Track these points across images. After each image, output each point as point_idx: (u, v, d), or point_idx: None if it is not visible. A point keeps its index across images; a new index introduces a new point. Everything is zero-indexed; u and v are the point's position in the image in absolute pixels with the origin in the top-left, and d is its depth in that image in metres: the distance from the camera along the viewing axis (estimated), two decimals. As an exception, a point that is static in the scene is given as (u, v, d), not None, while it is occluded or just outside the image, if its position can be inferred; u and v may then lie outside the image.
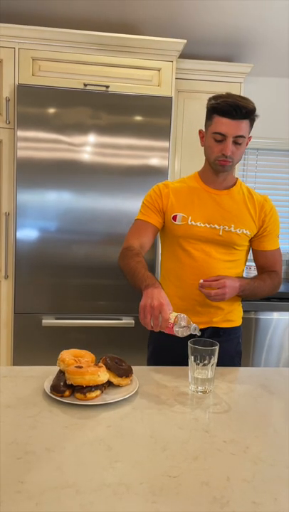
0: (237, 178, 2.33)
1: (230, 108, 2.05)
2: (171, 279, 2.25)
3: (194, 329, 1.76)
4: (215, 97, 2.12)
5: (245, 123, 2.09)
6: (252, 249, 2.34)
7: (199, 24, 3.85)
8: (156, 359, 2.32)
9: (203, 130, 2.21)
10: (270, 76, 4.53)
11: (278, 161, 4.85)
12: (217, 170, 2.19)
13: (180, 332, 1.76)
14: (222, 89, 3.98)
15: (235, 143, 2.10)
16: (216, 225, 2.18)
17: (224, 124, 2.06)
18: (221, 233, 2.18)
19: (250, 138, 2.20)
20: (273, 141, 4.72)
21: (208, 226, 2.18)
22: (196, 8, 3.68)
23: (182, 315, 1.77)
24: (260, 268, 2.36)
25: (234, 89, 4.00)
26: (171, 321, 1.74)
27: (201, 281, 2.05)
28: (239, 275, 2.27)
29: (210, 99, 2.14)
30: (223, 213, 2.20)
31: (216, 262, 2.19)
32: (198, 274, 2.14)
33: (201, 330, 1.87)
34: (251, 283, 2.19)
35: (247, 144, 2.18)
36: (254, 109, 2.12)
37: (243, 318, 2.39)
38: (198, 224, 2.19)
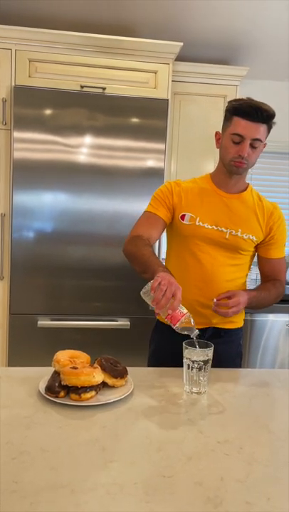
0: (248, 184, 2.32)
1: (252, 110, 2.05)
2: (175, 278, 2.21)
3: (194, 333, 1.76)
4: (236, 100, 2.14)
5: (263, 127, 2.10)
6: (257, 256, 2.33)
7: (195, 27, 3.86)
8: (157, 358, 2.32)
9: (220, 132, 2.21)
10: (266, 79, 4.54)
11: (275, 164, 4.85)
12: (231, 171, 2.19)
13: (180, 327, 1.75)
14: (218, 92, 4.01)
15: (252, 146, 2.10)
16: (223, 228, 2.17)
17: (243, 126, 2.06)
18: (227, 236, 2.17)
19: (265, 144, 2.20)
20: (269, 144, 4.72)
21: (215, 228, 2.18)
22: (192, 10, 3.68)
23: (190, 315, 1.77)
24: (264, 275, 2.34)
25: (230, 92, 4.02)
26: (184, 311, 1.74)
27: (215, 300, 2.03)
28: (242, 279, 2.27)
29: (231, 102, 2.14)
30: (232, 217, 2.19)
31: (221, 265, 2.18)
32: (202, 276, 2.17)
33: (201, 330, 1.93)
34: (258, 295, 2.17)
35: (261, 151, 2.20)
36: (274, 115, 2.13)
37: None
38: (205, 225, 2.18)
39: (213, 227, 2.18)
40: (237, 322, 2.30)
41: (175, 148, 4.00)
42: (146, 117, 3.44)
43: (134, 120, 3.42)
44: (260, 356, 4.12)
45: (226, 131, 2.15)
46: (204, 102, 4.03)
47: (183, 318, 1.74)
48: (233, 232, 2.17)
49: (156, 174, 3.44)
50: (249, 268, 2.33)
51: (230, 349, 2.25)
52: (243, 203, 2.23)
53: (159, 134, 3.46)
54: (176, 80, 3.82)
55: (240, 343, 2.34)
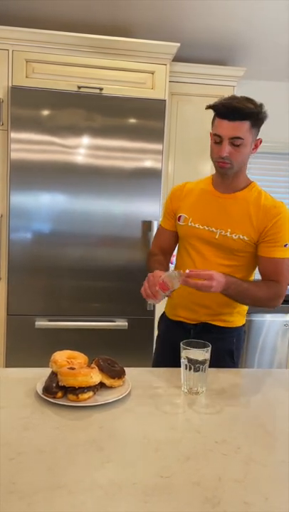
0: (251, 182, 2.30)
1: (226, 109, 2.05)
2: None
3: (176, 273, 1.94)
4: (217, 101, 2.13)
5: (243, 124, 2.06)
6: (256, 255, 2.23)
7: (192, 27, 3.86)
8: (163, 355, 2.43)
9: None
10: (263, 79, 4.54)
11: (274, 164, 4.86)
12: (218, 172, 2.21)
13: (168, 280, 1.94)
14: (215, 92, 4.00)
15: (234, 145, 2.08)
16: (213, 228, 2.18)
17: (221, 126, 2.07)
18: (217, 236, 2.17)
19: (259, 140, 2.19)
20: (268, 144, 4.73)
21: (206, 228, 2.19)
22: (188, 11, 3.68)
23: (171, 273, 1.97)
24: (262, 276, 2.24)
25: (227, 93, 4.00)
26: (162, 277, 1.95)
27: (187, 270, 1.98)
28: None
29: (209, 105, 2.15)
30: (224, 217, 2.19)
31: (213, 265, 2.16)
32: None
33: (193, 325, 2.22)
34: (240, 283, 2.09)
35: (256, 147, 2.19)
36: (253, 111, 2.08)
37: (242, 324, 2.38)
38: (196, 226, 2.22)
39: (205, 227, 2.20)
40: (231, 322, 2.28)
41: (172, 149, 4.00)
42: (143, 118, 3.43)
43: (132, 121, 3.42)
44: (257, 356, 4.13)
45: (211, 133, 2.17)
46: (201, 102, 4.00)
47: (167, 291, 1.95)
48: (223, 232, 2.17)
49: (153, 175, 3.44)
50: (250, 270, 2.27)
51: (219, 346, 2.08)
52: (237, 203, 2.20)
53: (156, 134, 3.45)
54: (174, 80, 3.83)
55: (234, 342, 2.30)
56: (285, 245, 2.13)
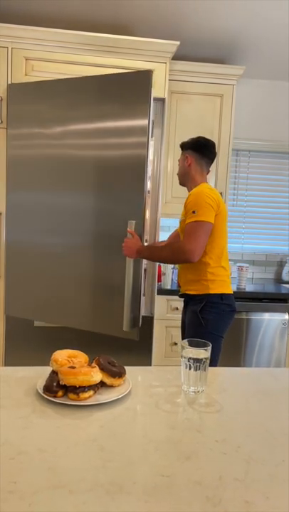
0: (201, 184, 3.01)
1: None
2: None
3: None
4: None
5: (181, 153, 3.17)
6: None
7: (192, 26, 3.86)
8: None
9: None
10: (263, 78, 4.55)
11: (272, 163, 4.86)
12: None
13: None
14: (215, 91, 4.01)
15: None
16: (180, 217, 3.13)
17: None
18: (180, 220, 3.12)
19: (187, 157, 3.09)
20: (265, 143, 4.74)
21: (179, 218, 3.17)
22: (188, 10, 3.68)
23: None
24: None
25: (227, 91, 4.02)
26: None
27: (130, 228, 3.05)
28: None
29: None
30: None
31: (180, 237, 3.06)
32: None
33: (182, 295, 3.10)
34: (153, 249, 3.01)
35: (189, 162, 3.08)
36: (184, 144, 3.16)
37: (235, 318, 3.04)
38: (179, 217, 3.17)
39: (179, 217, 3.14)
40: (195, 290, 2.97)
41: (172, 147, 4.01)
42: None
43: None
44: (256, 355, 4.13)
45: None
46: (201, 101, 4.03)
47: None
48: (180, 218, 3.09)
49: (136, 168, 3.34)
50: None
51: (191, 308, 3.00)
52: (187, 198, 2.96)
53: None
54: (173, 78, 3.83)
55: (200, 305, 2.92)
56: (193, 212, 2.80)
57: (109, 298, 3.25)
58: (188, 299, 3.05)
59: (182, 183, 3.18)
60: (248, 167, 4.83)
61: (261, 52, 4.20)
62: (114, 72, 3.43)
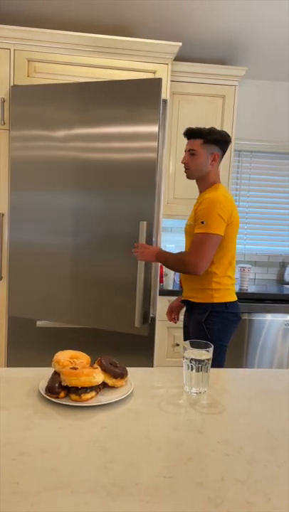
0: (215, 184, 2.92)
1: (184, 132, 2.96)
2: None
3: None
4: None
5: (195, 141, 2.90)
6: None
7: (194, 27, 3.86)
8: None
9: None
10: (264, 79, 4.55)
11: (274, 164, 4.86)
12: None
13: None
14: (217, 91, 4.02)
15: (191, 155, 2.92)
16: (186, 221, 3.02)
17: (186, 143, 2.96)
18: (187, 224, 2.98)
19: (216, 154, 2.91)
20: (268, 144, 4.74)
21: (187, 222, 3.01)
22: (188, 10, 3.69)
23: None
24: None
25: (228, 92, 4.03)
26: None
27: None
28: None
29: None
30: (192, 212, 2.93)
31: (188, 244, 2.96)
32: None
33: (184, 301, 3.03)
34: (167, 255, 2.89)
35: (215, 160, 2.91)
36: (201, 131, 2.89)
37: (225, 304, 2.89)
38: (186, 221, 3.04)
39: (187, 221, 3.02)
40: (199, 298, 2.89)
41: (174, 149, 4.02)
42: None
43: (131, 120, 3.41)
44: (258, 356, 4.13)
45: None
46: (203, 102, 4.04)
47: None
48: (188, 222, 2.97)
49: (154, 174, 3.37)
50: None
51: (195, 317, 2.91)
52: (199, 200, 2.88)
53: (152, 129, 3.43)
54: (175, 80, 3.84)
55: (204, 315, 2.85)
56: (202, 222, 2.73)
57: (120, 296, 3.25)
58: (192, 307, 2.96)
59: (192, 178, 2.97)
60: (250, 168, 4.83)
61: (263, 53, 4.20)
62: (116, 73, 3.46)
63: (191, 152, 2.90)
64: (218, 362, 2.60)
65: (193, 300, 2.92)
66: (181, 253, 2.86)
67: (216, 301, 2.84)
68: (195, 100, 4.02)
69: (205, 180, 2.93)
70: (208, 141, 2.88)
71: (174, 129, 4.03)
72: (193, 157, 2.90)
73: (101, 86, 3.23)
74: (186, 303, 3.02)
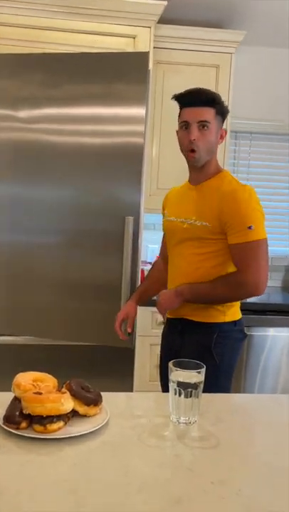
0: (222, 171, 2.69)
1: (190, 95, 2.55)
2: (168, 272, 2.81)
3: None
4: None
5: (207, 110, 2.52)
6: None
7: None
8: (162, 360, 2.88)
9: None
10: (266, 45, 4.55)
11: (278, 147, 4.86)
12: (189, 164, 2.67)
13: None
14: (209, 60, 4.02)
15: (202, 129, 2.52)
16: (183, 219, 2.63)
17: (187, 112, 2.54)
18: (185, 226, 2.60)
19: (224, 130, 2.64)
20: (270, 124, 4.75)
21: (178, 220, 2.66)
22: None
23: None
24: (234, 266, 2.58)
25: (224, 61, 4.04)
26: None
27: None
28: (214, 269, 2.58)
29: (174, 95, 2.62)
30: (192, 206, 2.63)
31: (187, 255, 2.63)
32: (174, 267, 2.72)
33: (176, 321, 2.69)
34: (195, 287, 2.57)
35: (222, 137, 2.64)
36: (216, 97, 2.56)
37: (234, 322, 2.67)
38: (171, 218, 2.72)
39: (176, 219, 2.67)
40: (206, 316, 2.61)
41: (157, 129, 4.01)
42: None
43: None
44: (259, 378, 4.13)
45: (178, 125, 2.63)
46: (193, 72, 4.04)
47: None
48: (190, 220, 2.59)
49: (134, 159, 3.33)
50: (227, 256, 2.58)
51: (199, 341, 2.61)
52: (204, 191, 2.62)
53: (138, 111, 3.44)
54: (159, 46, 3.84)
55: (213, 338, 2.59)
56: (250, 227, 2.44)
57: (99, 302, 3.29)
58: (190, 327, 2.66)
59: (200, 164, 2.61)
60: (250, 152, 4.85)
61: (264, 15, 4.20)
62: (90, 38, 3.45)
63: (203, 124, 2.52)
64: (223, 391, 2.54)
65: (192, 319, 2.65)
66: (225, 277, 2.56)
67: (227, 319, 2.64)
68: (183, 71, 4.02)
69: (210, 166, 2.65)
70: (220, 111, 2.59)
71: (158, 105, 4.03)
72: (205, 132, 2.54)
73: (75, 58, 3.24)
74: (179, 322, 2.72)
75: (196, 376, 1.72)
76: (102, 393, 1.77)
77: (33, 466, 1.40)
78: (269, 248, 2.50)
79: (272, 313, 4.10)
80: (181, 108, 2.59)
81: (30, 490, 1.29)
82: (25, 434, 1.55)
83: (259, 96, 4.63)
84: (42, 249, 3.37)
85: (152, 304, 3.92)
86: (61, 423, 1.59)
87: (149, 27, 3.53)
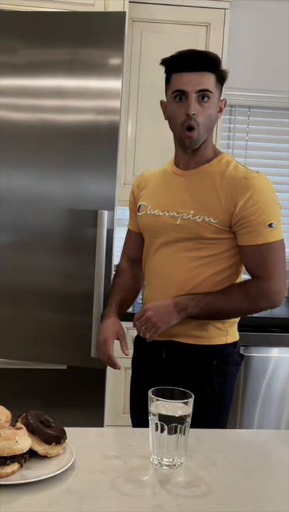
0: (220, 154, 2.62)
1: (187, 58, 2.43)
2: (146, 282, 2.76)
3: None
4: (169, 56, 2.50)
5: (208, 76, 2.42)
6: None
7: None
8: (137, 391, 2.77)
9: (165, 100, 2.53)
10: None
11: (280, 125, 4.88)
12: (184, 145, 2.53)
13: None
14: (196, 18, 4.02)
15: (201, 101, 2.43)
16: (174, 213, 2.53)
17: (183, 80, 2.41)
18: (178, 222, 2.51)
19: (223, 101, 2.57)
20: (270, 96, 4.76)
21: (166, 214, 2.56)
22: None
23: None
24: (248, 272, 2.53)
25: (215, 19, 4.04)
26: None
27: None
28: (216, 277, 2.52)
29: (163, 59, 2.52)
30: (185, 197, 2.54)
31: (180, 258, 2.53)
32: (160, 275, 2.61)
33: (160, 343, 2.54)
34: (199, 299, 2.44)
35: (221, 110, 2.57)
36: (217, 59, 2.47)
37: (234, 343, 2.65)
38: (156, 213, 2.60)
39: (165, 213, 2.57)
40: (204, 338, 2.55)
41: (133, 103, 4.01)
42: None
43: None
44: (259, 409, 4.13)
45: (167, 95, 2.53)
46: (178, 33, 4.04)
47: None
48: (185, 215, 2.50)
49: (108, 141, 3.28)
50: (232, 262, 2.54)
51: (195, 369, 2.54)
52: (202, 178, 2.55)
53: (111, 80, 3.43)
54: (136, 0, 3.84)
55: (214, 365, 2.55)
56: (270, 225, 2.41)
57: (66, 315, 3.29)
58: (179, 352, 2.59)
59: (197, 144, 2.51)
60: (248, 130, 4.87)
61: None
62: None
63: (203, 95, 2.42)
64: (222, 426, 2.53)
65: (186, 341, 2.57)
66: (242, 286, 2.54)
67: (229, 340, 2.62)
68: (165, 30, 4.02)
69: (207, 147, 2.59)
70: (220, 77, 2.50)
71: (134, 73, 4.01)
72: (205, 105, 2.45)
73: (36, 18, 3.23)
74: (163, 345, 2.61)
75: (182, 408, 1.71)
76: (66, 428, 1.77)
77: (-18, 520, 1.41)
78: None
79: (276, 330, 4.09)
80: (170, 74, 2.48)
81: None
82: (-28, 480, 1.55)
83: (258, 62, 4.63)
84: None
85: (127, 318, 3.94)
86: (16, 466, 1.59)
87: (124, -23, 3.55)
